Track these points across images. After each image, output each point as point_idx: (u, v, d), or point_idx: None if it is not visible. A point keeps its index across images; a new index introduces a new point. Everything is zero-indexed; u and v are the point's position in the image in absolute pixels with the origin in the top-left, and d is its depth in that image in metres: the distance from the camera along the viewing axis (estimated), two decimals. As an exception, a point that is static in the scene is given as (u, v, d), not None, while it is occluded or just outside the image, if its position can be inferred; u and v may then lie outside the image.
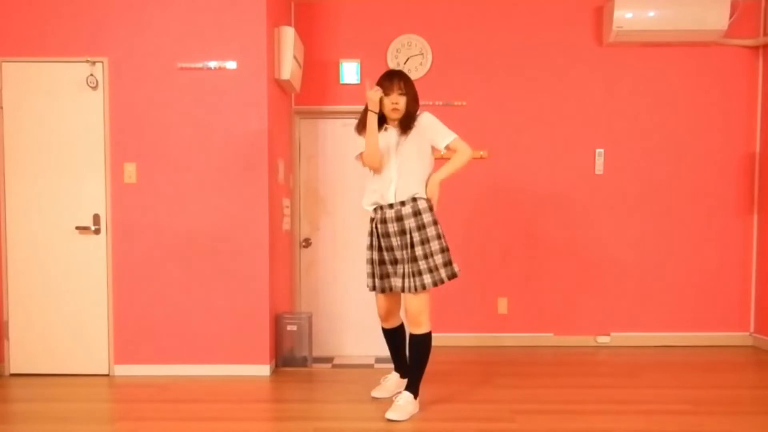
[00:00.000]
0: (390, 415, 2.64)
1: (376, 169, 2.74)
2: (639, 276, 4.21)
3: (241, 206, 3.44)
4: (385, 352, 4.35)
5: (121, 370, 3.47)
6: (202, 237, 3.44)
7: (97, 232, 3.45)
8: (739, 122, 4.16)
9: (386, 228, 2.72)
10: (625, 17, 3.89)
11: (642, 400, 2.98)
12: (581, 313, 4.22)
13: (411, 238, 2.66)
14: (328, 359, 4.06)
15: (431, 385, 3.26)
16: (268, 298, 3.45)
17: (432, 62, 4.16)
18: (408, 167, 2.72)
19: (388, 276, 2.79)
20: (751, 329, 4.22)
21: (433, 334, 4.21)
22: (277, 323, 3.66)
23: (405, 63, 4.15)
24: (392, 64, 4.14)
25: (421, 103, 4.11)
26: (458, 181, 4.18)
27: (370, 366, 3.82)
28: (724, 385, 3.24)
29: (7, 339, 3.47)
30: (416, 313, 2.65)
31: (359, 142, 2.81)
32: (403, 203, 2.71)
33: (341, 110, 4.17)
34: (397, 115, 2.72)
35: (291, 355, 3.70)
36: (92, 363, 3.48)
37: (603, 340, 4.21)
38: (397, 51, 4.16)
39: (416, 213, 2.69)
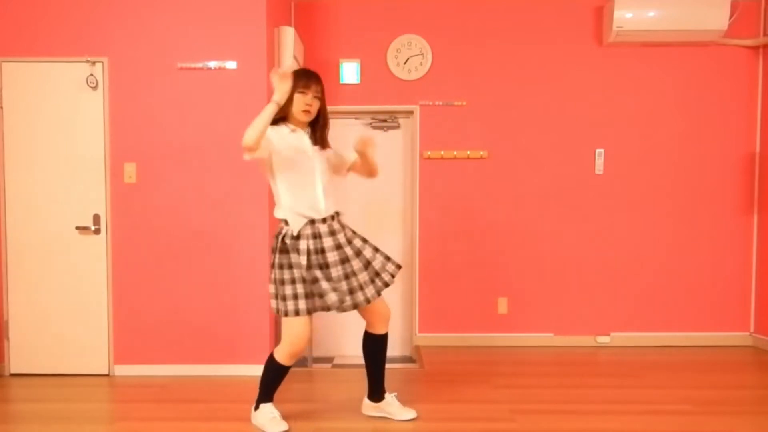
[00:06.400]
0: (408, 415, 2.70)
1: (250, 150, 2.33)
2: (639, 276, 4.21)
3: (241, 206, 3.43)
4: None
5: (121, 370, 3.47)
6: (201, 237, 3.44)
7: (97, 232, 3.45)
8: (739, 122, 4.16)
9: (321, 243, 2.46)
10: (625, 17, 3.89)
11: (642, 400, 2.98)
12: (581, 313, 4.22)
13: (352, 248, 2.53)
14: (328, 359, 4.06)
15: (432, 385, 3.26)
16: (269, 298, 3.45)
17: (432, 62, 4.16)
18: (331, 182, 2.58)
19: (321, 295, 2.48)
20: (751, 329, 4.22)
21: (434, 334, 4.28)
22: (277, 323, 3.66)
23: (405, 63, 4.15)
24: (392, 64, 4.14)
25: (420, 103, 4.20)
26: (458, 181, 4.19)
27: (370, 366, 3.82)
28: (724, 385, 3.24)
29: (7, 339, 3.47)
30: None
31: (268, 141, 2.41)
32: (332, 217, 2.53)
33: (341, 110, 4.17)
34: (307, 118, 2.50)
35: (291, 355, 3.69)
36: (92, 363, 3.48)
37: (603, 340, 4.21)
38: (397, 51, 4.16)
39: (344, 226, 2.58)
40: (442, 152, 4.16)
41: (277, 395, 2.70)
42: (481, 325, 4.22)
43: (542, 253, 4.21)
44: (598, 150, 4.18)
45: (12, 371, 3.48)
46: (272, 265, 2.50)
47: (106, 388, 3.26)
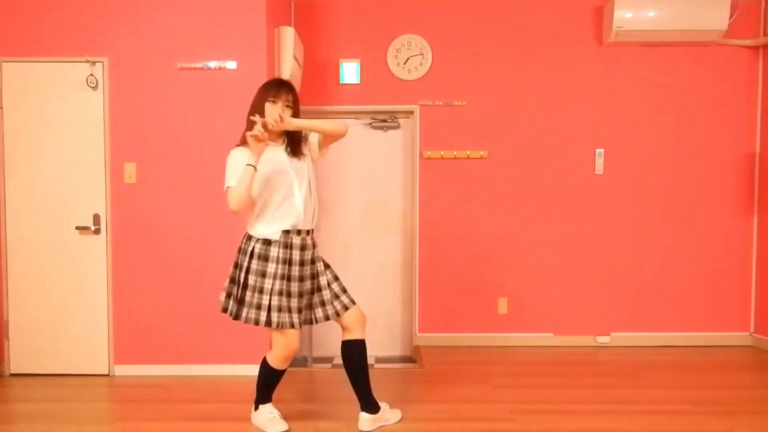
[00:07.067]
0: (398, 416, 2.69)
1: (241, 209, 2.39)
2: (639, 276, 4.21)
3: (241, 206, 3.43)
4: (384, 352, 4.37)
5: (121, 370, 3.47)
6: (201, 237, 3.44)
7: (97, 232, 3.45)
8: (739, 122, 4.16)
9: (290, 255, 2.44)
10: (625, 17, 3.89)
11: (642, 400, 2.98)
12: (581, 313, 4.22)
13: (313, 268, 2.52)
14: (328, 359, 4.06)
15: (432, 385, 3.27)
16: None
17: (432, 62, 4.16)
18: (312, 194, 2.51)
19: (310, 307, 2.53)
20: (751, 329, 4.22)
21: (434, 334, 4.29)
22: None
23: (405, 63, 4.15)
24: (392, 64, 4.14)
25: (420, 103, 4.21)
26: (459, 181, 4.19)
27: (371, 366, 3.82)
28: (724, 385, 3.24)
29: (7, 339, 3.47)
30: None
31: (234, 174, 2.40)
32: (308, 232, 2.50)
33: (341, 110, 4.17)
34: (277, 127, 2.39)
35: (291, 355, 3.70)
36: (92, 363, 3.48)
37: (603, 340, 4.21)
38: (397, 51, 4.16)
39: (315, 245, 2.55)
40: (442, 152, 4.16)
41: (277, 395, 2.70)
42: (481, 325, 4.22)
43: (542, 253, 4.21)
44: (598, 150, 4.18)
45: (12, 371, 3.48)
46: (245, 270, 2.42)
47: (106, 388, 3.26)
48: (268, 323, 2.38)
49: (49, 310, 3.46)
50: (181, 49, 3.40)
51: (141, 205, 3.44)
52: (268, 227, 2.43)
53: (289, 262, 2.43)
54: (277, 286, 2.40)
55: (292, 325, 2.41)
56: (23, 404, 3.00)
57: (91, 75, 3.39)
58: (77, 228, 3.44)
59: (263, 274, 2.40)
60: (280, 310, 2.39)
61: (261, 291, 2.40)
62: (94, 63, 3.39)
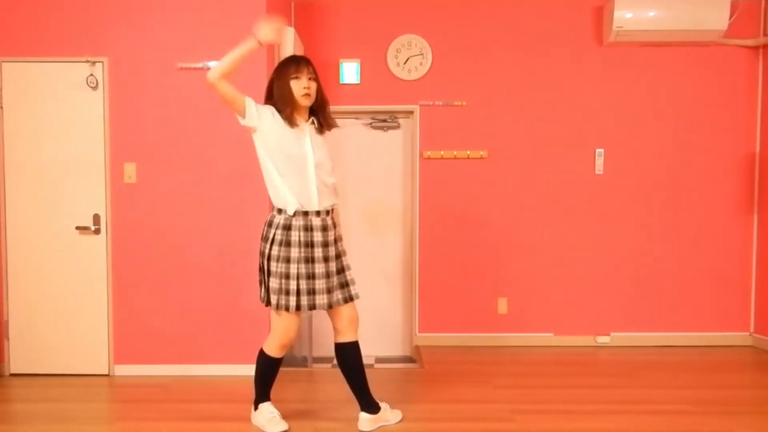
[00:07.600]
0: (398, 416, 2.70)
1: (212, 86, 2.38)
2: (639, 276, 4.21)
3: (240, 206, 3.44)
4: (384, 352, 4.37)
5: (121, 370, 3.47)
6: (201, 237, 3.44)
7: (97, 232, 3.45)
8: (739, 122, 4.16)
9: (311, 236, 2.44)
10: (625, 17, 3.89)
11: (642, 400, 2.98)
12: (581, 313, 4.22)
13: (336, 249, 2.53)
14: (328, 359, 4.06)
15: (432, 385, 3.27)
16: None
17: (432, 62, 4.16)
18: (328, 174, 2.51)
19: (314, 292, 2.44)
20: (751, 329, 4.22)
21: (434, 334, 4.28)
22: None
23: (405, 63, 4.15)
24: (392, 64, 4.14)
25: (420, 103, 4.21)
26: (459, 181, 4.19)
27: (370, 366, 3.82)
28: (724, 385, 3.24)
29: (7, 339, 3.47)
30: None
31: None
32: (327, 212, 2.50)
33: (341, 110, 4.16)
34: (309, 101, 2.44)
35: (291, 355, 3.70)
36: (92, 363, 3.48)
37: (603, 340, 4.20)
38: (397, 51, 4.15)
39: (335, 225, 2.56)
40: (442, 152, 4.16)
41: (276, 395, 2.70)
42: (481, 325, 4.22)
43: (542, 253, 4.20)
44: (598, 150, 4.17)
45: (12, 371, 3.48)
46: (267, 257, 2.43)
47: (106, 388, 3.26)
48: (298, 307, 2.39)
49: (49, 310, 3.46)
50: (181, 49, 3.40)
51: (141, 205, 3.44)
52: (289, 194, 2.41)
53: (311, 244, 2.42)
54: (303, 270, 2.40)
55: (304, 307, 2.41)
56: (23, 404, 3.00)
57: (91, 75, 3.39)
58: (77, 228, 3.44)
59: (287, 260, 2.40)
60: (308, 293, 2.40)
61: (287, 276, 2.40)
62: (94, 63, 3.39)
